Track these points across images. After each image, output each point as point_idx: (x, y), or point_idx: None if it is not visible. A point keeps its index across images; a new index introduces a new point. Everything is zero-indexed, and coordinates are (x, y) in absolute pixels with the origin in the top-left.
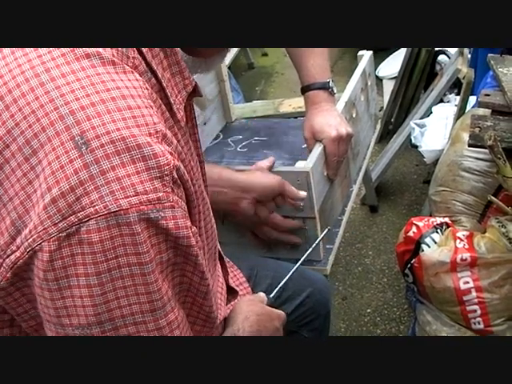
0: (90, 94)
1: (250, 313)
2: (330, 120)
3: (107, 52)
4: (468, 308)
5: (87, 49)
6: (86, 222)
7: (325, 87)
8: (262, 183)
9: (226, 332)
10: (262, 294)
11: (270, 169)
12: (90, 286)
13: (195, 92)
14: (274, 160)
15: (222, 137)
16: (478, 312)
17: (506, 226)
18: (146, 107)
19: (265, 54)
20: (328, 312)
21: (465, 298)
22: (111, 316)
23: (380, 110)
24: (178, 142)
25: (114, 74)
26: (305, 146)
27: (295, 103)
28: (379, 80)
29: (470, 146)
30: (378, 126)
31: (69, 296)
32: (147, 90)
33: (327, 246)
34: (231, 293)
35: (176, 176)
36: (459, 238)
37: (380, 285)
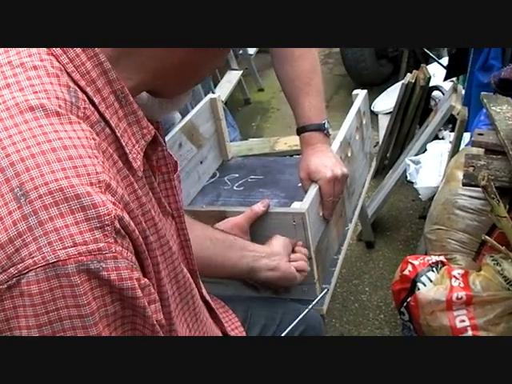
0: (31, 146)
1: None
2: (326, 161)
3: (52, 103)
4: None
5: (31, 101)
6: (25, 273)
7: (320, 129)
8: (279, 242)
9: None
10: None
11: (266, 212)
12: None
13: (157, 142)
14: (268, 203)
15: (218, 175)
16: None
17: (501, 264)
18: (90, 157)
19: (261, 90)
20: None
21: None
22: None
23: (375, 146)
24: (134, 192)
25: (58, 124)
26: (300, 184)
27: (291, 141)
28: (374, 115)
29: (464, 185)
30: (373, 164)
31: None
32: (94, 140)
33: (323, 286)
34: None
35: (119, 226)
36: (454, 276)
37: (377, 321)
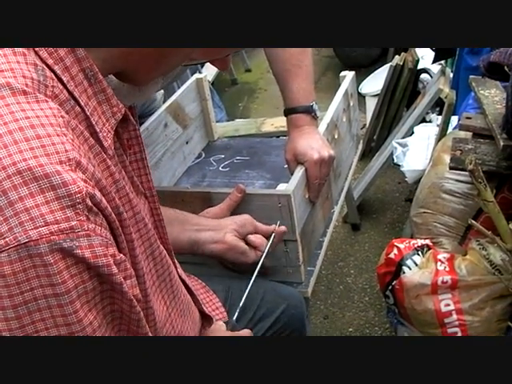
0: None
1: None
2: (312, 143)
3: (19, 82)
4: (449, 330)
5: None
6: None
7: (308, 111)
8: (234, 217)
9: None
10: (218, 325)
11: (243, 197)
12: (8, 319)
13: (127, 120)
14: (243, 188)
15: (204, 156)
16: (459, 334)
17: (487, 248)
18: (58, 135)
19: (248, 70)
20: (303, 326)
21: (446, 321)
22: None
23: (362, 128)
24: (108, 169)
25: (25, 103)
26: (287, 166)
27: (277, 122)
28: (362, 97)
29: (451, 168)
30: (360, 146)
31: None
32: (62, 118)
33: (308, 268)
34: (206, 319)
35: (90, 204)
36: (440, 260)
37: (362, 304)
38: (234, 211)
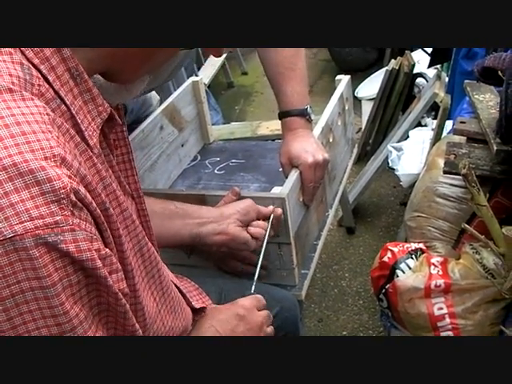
0: None
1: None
2: (307, 146)
3: (5, 80)
4: (442, 334)
5: None
6: None
7: (302, 114)
8: (237, 205)
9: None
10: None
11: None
12: None
13: (113, 120)
14: (238, 191)
15: (199, 158)
16: None
17: (480, 252)
18: (43, 132)
19: (244, 73)
20: (297, 329)
21: (439, 324)
22: None
23: (358, 132)
24: (94, 166)
25: (11, 101)
26: (281, 169)
27: (273, 126)
28: (358, 101)
29: (445, 172)
30: (355, 150)
31: None
32: (48, 115)
33: (302, 271)
34: (196, 313)
35: (75, 199)
36: (433, 264)
37: (356, 307)
38: None
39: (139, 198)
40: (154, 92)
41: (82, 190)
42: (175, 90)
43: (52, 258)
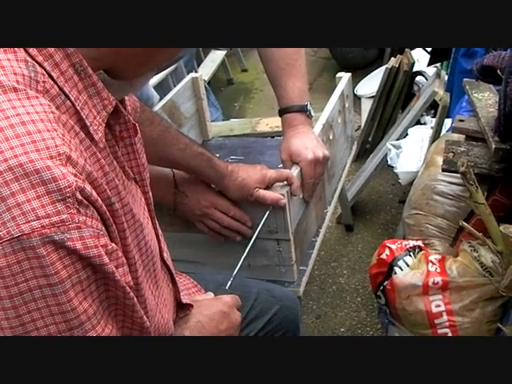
0: None
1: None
2: (307, 143)
3: (10, 79)
4: (439, 331)
5: None
6: None
7: (303, 110)
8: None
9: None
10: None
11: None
12: (5, 309)
13: (119, 112)
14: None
15: None
16: (449, 335)
17: (478, 250)
18: (48, 130)
19: (244, 70)
20: (297, 328)
21: (436, 321)
22: None
23: (357, 129)
24: (98, 161)
25: (16, 100)
26: (281, 166)
27: (272, 122)
28: (357, 98)
29: (443, 170)
30: (354, 147)
31: None
32: (53, 113)
33: (301, 268)
34: (182, 309)
35: (80, 197)
36: (431, 261)
37: (354, 304)
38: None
39: (142, 180)
40: (154, 92)
41: (88, 187)
42: (175, 86)
43: (59, 255)
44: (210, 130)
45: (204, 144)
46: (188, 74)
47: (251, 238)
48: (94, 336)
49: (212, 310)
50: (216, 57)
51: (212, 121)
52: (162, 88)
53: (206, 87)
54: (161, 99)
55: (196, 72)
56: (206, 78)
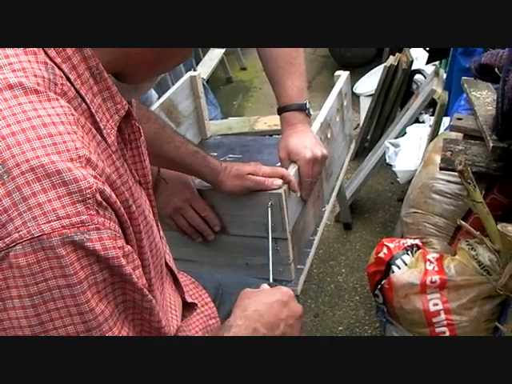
0: (11, 124)
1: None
2: (306, 141)
3: (31, 81)
4: (437, 330)
5: (10, 80)
6: (13, 247)
7: (301, 109)
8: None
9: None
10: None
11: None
12: (24, 307)
13: (130, 116)
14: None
15: None
16: (447, 334)
17: (476, 248)
18: (69, 133)
19: (243, 69)
20: None
21: (434, 320)
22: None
23: (356, 128)
24: (113, 164)
25: (37, 102)
26: (279, 164)
27: (270, 121)
28: (356, 97)
29: (441, 169)
30: (353, 146)
31: (6, 318)
32: (72, 116)
33: (298, 267)
34: (188, 308)
35: (100, 199)
36: (429, 260)
37: (352, 303)
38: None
39: (146, 183)
40: (153, 90)
41: (108, 189)
42: (173, 85)
43: (78, 256)
44: (209, 129)
45: (202, 142)
46: (186, 72)
47: (269, 238)
48: (112, 336)
49: (271, 299)
50: (215, 55)
51: (210, 119)
52: (161, 86)
53: (204, 85)
54: (159, 98)
55: (195, 70)
56: (205, 77)
